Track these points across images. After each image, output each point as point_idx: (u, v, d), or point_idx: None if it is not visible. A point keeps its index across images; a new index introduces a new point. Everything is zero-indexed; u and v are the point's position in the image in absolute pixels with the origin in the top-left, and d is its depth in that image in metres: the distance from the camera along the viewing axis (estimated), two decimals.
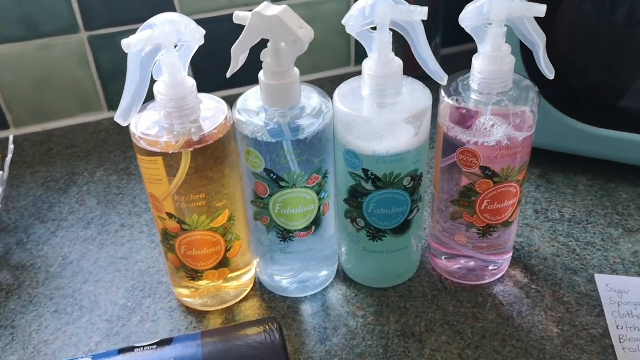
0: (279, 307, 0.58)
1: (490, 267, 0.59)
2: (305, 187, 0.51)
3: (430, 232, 0.60)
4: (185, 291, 0.57)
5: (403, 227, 0.55)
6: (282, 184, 0.50)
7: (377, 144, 0.49)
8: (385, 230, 0.55)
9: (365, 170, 0.51)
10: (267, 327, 0.48)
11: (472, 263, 0.59)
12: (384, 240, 0.55)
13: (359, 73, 0.51)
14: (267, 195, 0.51)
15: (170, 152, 0.47)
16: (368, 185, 0.52)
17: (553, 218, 0.66)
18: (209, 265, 0.54)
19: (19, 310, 0.59)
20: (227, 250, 0.54)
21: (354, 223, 0.55)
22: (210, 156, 0.48)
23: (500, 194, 0.52)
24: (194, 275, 0.55)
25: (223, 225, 0.52)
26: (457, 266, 0.59)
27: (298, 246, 0.55)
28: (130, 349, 0.47)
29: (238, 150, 0.52)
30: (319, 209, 0.53)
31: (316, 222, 0.54)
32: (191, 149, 0.47)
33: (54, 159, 0.81)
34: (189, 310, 0.58)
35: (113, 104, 0.85)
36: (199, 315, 0.58)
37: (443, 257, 0.59)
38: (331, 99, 0.51)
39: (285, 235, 0.54)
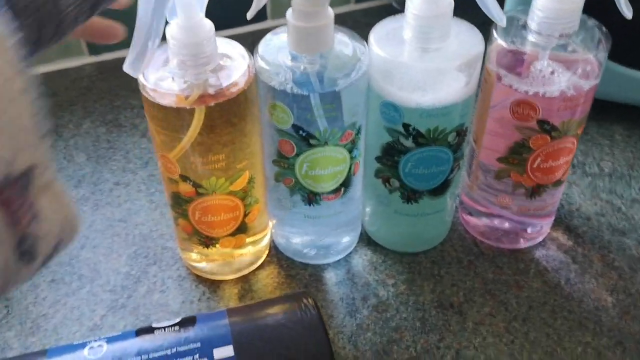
0: (299, 276, 0.53)
1: (529, 230, 0.53)
2: (337, 145, 0.45)
3: (464, 189, 0.54)
4: (196, 256, 0.51)
5: (442, 188, 0.49)
6: (312, 142, 0.44)
7: (421, 96, 0.43)
8: (422, 192, 0.49)
9: (406, 126, 0.45)
10: (302, 304, 0.42)
11: (507, 224, 0.53)
12: (419, 203, 0.50)
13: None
14: (293, 154, 0.45)
15: (183, 107, 0.40)
16: (408, 143, 0.45)
17: (592, 173, 0.61)
18: (225, 232, 0.48)
19: None
20: (245, 215, 0.48)
21: (387, 184, 0.49)
22: (230, 112, 0.42)
23: (556, 151, 0.46)
24: (209, 242, 0.49)
25: (243, 189, 0.46)
26: (494, 227, 0.54)
27: (325, 210, 0.49)
28: (149, 330, 0.41)
29: (259, 104, 0.45)
30: (349, 169, 0.47)
31: (346, 184, 0.48)
32: (207, 104, 0.40)
33: None
34: (200, 279, 0.53)
35: (96, 47, 0.77)
36: (211, 285, 0.52)
37: (482, 217, 0.54)
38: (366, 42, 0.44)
39: (312, 198, 0.48)
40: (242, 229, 0.48)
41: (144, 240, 0.56)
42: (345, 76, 0.42)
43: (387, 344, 0.48)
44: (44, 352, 0.41)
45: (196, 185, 0.44)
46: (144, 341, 0.40)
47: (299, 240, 0.53)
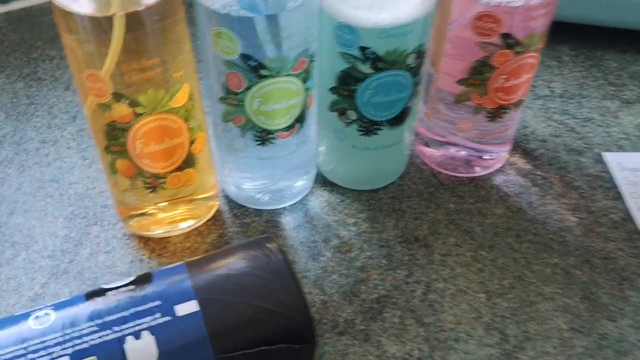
0: (255, 223, 0.49)
1: (486, 157, 0.52)
2: (290, 74, 0.41)
3: (420, 120, 0.52)
4: (139, 221, 0.47)
5: (401, 117, 0.47)
6: (263, 72, 0.40)
7: (378, 14, 0.40)
8: (381, 122, 0.46)
9: (363, 49, 0.41)
10: (265, 249, 0.39)
11: (464, 153, 0.51)
12: (378, 135, 0.47)
13: None
14: (243, 88, 0.41)
15: (101, 16, 0.36)
16: (365, 68, 0.42)
17: (543, 95, 0.60)
18: (172, 165, 0.44)
19: None
20: (191, 143, 0.44)
21: (343, 116, 0.46)
22: (157, 14, 0.37)
23: (519, 67, 0.44)
24: (155, 183, 0.44)
25: (185, 106, 0.41)
26: (451, 156, 0.52)
27: (279, 150, 0.46)
28: (101, 292, 0.37)
29: (201, 33, 0.41)
30: (304, 101, 0.44)
31: (301, 119, 0.45)
32: (127, 11, 0.36)
33: None
34: (147, 235, 0.49)
35: None
36: (160, 241, 0.48)
37: (439, 147, 0.52)
38: None
39: (265, 137, 0.44)
40: (189, 162, 0.44)
41: (80, 200, 0.51)
42: None
43: (355, 285, 0.45)
44: None
45: (133, 105, 0.39)
46: (96, 304, 0.36)
47: (251, 186, 0.49)
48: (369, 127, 0.46)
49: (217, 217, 0.50)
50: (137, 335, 0.35)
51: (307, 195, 0.51)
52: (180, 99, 0.41)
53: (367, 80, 0.43)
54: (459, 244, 0.48)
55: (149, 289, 0.37)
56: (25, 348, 0.34)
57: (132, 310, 0.36)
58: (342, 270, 0.46)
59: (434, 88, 0.48)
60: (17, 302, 0.44)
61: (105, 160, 0.43)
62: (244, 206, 0.51)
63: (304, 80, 0.42)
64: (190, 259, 0.40)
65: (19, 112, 0.59)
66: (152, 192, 0.45)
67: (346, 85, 0.44)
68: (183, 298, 0.37)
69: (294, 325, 0.37)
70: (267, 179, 0.48)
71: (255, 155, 0.46)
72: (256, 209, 0.50)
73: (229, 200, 0.51)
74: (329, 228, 0.49)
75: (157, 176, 0.43)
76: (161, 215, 0.47)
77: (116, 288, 0.37)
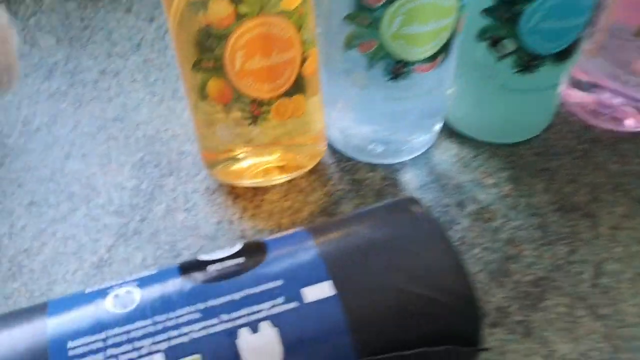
0: (368, 181, 0.40)
1: None
2: None
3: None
4: (226, 167, 0.37)
5: (569, 50, 0.36)
6: None
7: None
8: (544, 57, 0.36)
9: None
10: (412, 215, 0.29)
11: (626, 100, 0.41)
12: (536, 73, 0.36)
13: None
14: (382, 2, 0.31)
15: None
16: None
17: None
18: (279, 87, 0.34)
19: None
20: (303, 60, 0.34)
21: (496, 48, 0.36)
22: None
23: None
24: (257, 112, 0.34)
25: (298, 10, 0.32)
26: (610, 104, 0.41)
27: (413, 88, 0.35)
28: (199, 265, 0.28)
29: None
30: (454, 25, 0.33)
31: (446, 48, 0.34)
32: None
33: None
34: (237, 191, 0.39)
35: None
36: (253, 197, 0.39)
37: (597, 92, 0.41)
38: None
39: (399, 70, 0.34)
40: (299, 86, 0.34)
41: (151, 144, 0.42)
42: None
43: (504, 263, 0.35)
44: (43, 307, 0.27)
45: (236, 1, 0.30)
46: (196, 282, 0.27)
47: (365, 133, 0.39)
48: (528, 62, 0.36)
49: (320, 171, 0.40)
50: (253, 327, 0.26)
51: (430, 148, 0.41)
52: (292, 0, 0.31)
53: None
54: (630, 215, 0.38)
55: (265, 264, 0.27)
56: (103, 340, 0.25)
57: (245, 293, 0.26)
58: (486, 243, 0.36)
59: (607, 18, 0.37)
60: (78, 268, 0.35)
61: (193, 82, 0.34)
62: (353, 158, 0.41)
63: None
64: (313, 225, 0.30)
65: (72, 36, 0.50)
66: (252, 124, 0.35)
67: (509, 5, 0.33)
68: (313, 278, 0.27)
69: (461, 320, 0.27)
70: (388, 127, 0.38)
71: (380, 94, 0.35)
72: (368, 163, 0.40)
73: (333, 150, 0.41)
74: (463, 189, 0.39)
75: (259, 102, 0.34)
76: (254, 160, 0.38)
77: (220, 261, 0.28)
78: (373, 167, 0.40)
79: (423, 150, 0.41)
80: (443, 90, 0.37)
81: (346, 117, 0.39)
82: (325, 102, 0.38)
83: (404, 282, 0.27)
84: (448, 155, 0.41)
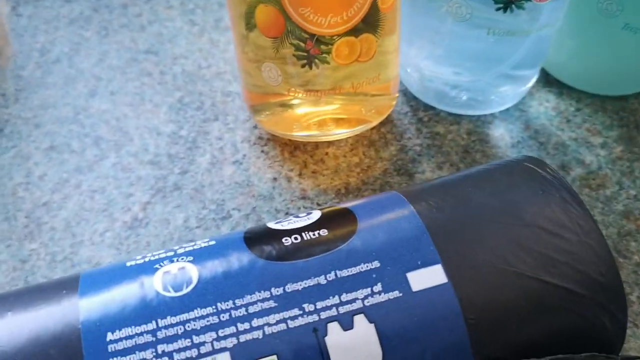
0: (452, 134, 0.33)
1: None
2: None
3: None
4: (274, 114, 0.31)
5: None
6: None
7: None
8: None
9: None
10: (543, 181, 0.23)
11: None
12: None
13: None
14: None
15: None
16: None
17: None
18: (345, 22, 0.27)
19: None
20: None
21: None
22: None
23: None
24: (314, 51, 0.27)
25: None
26: None
27: (524, 21, 0.29)
28: (270, 235, 0.22)
29: None
30: None
31: None
32: None
33: None
34: (295, 141, 0.32)
35: None
36: (314, 151, 0.32)
37: None
38: None
39: None
40: (371, 22, 0.27)
41: (191, 83, 0.35)
42: None
43: (619, 239, 0.29)
44: (73, 283, 0.21)
45: None
46: (269, 258, 0.21)
47: (449, 76, 0.32)
48: None
49: (394, 122, 0.34)
50: (345, 321, 0.20)
51: (523, 99, 0.35)
52: None
53: None
54: None
55: (356, 239, 0.21)
56: (153, 332, 0.19)
57: (333, 276, 0.20)
58: (597, 215, 0.30)
59: None
60: (107, 228, 0.29)
61: (240, 6, 0.27)
62: (432, 107, 0.34)
63: None
64: (408, 188, 0.24)
65: None
66: (306, 65, 0.28)
67: None
68: (418, 259, 0.21)
69: (607, 321, 0.21)
70: (481, 70, 0.31)
71: (484, 27, 0.29)
72: (450, 113, 0.34)
73: (408, 96, 0.35)
74: (566, 149, 0.33)
75: (318, 39, 0.27)
76: (308, 108, 0.31)
77: (297, 232, 0.22)
78: (457, 118, 0.34)
79: (516, 101, 0.34)
80: (552, 30, 0.30)
81: (429, 55, 0.32)
82: (404, 37, 0.32)
83: (536, 268, 0.21)
84: (545, 107, 0.34)
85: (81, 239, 0.29)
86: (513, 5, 0.27)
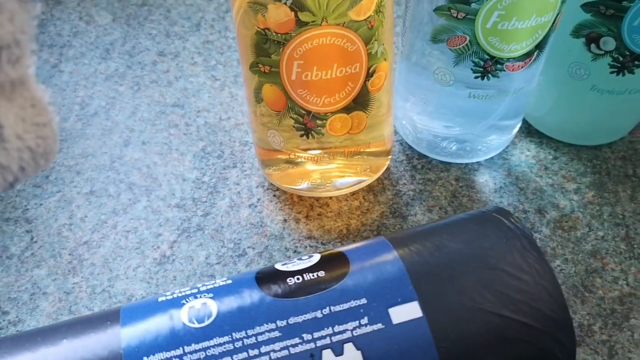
0: (442, 180, 0.37)
1: None
2: None
3: None
4: (281, 170, 0.35)
5: None
6: None
7: None
8: None
9: None
10: (505, 229, 0.27)
11: None
12: (634, 75, 0.34)
13: None
14: None
15: None
16: None
17: None
18: (338, 102, 0.31)
19: (32, 193, 0.37)
20: (369, 74, 0.31)
21: (593, 45, 0.33)
22: None
23: None
24: (310, 125, 0.32)
25: (369, 21, 0.29)
26: None
27: (501, 86, 0.33)
28: (277, 276, 0.26)
29: None
30: (554, 20, 0.31)
31: (542, 45, 0.32)
32: None
33: None
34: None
35: None
36: (319, 196, 0.37)
37: None
38: None
39: (489, 68, 0.32)
40: (361, 101, 0.32)
41: (213, 133, 0.40)
42: None
43: (586, 276, 0.33)
44: (115, 315, 0.25)
45: (298, 7, 0.27)
46: (275, 295, 0.25)
47: (439, 129, 0.37)
48: (626, 63, 0.33)
49: (389, 168, 0.38)
50: (337, 348, 0.24)
51: (507, 148, 0.39)
52: (365, 8, 0.28)
53: None
54: None
55: (348, 280, 0.26)
56: (180, 357, 0.24)
57: (328, 311, 0.25)
58: (567, 254, 0.34)
59: None
60: (139, 264, 0.34)
61: (251, 82, 0.32)
62: (425, 156, 0.39)
63: None
64: (394, 234, 0.28)
65: (129, 14, 0.48)
66: (303, 135, 0.33)
67: (614, 0, 0.31)
68: (399, 297, 0.25)
69: (557, 350, 0.25)
70: (467, 125, 0.36)
71: (464, 92, 0.33)
72: (441, 161, 0.38)
73: (404, 145, 0.39)
74: (543, 194, 0.37)
75: (314, 115, 0.31)
76: (311, 166, 0.35)
77: (299, 273, 0.26)
78: (446, 166, 0.38)
79: (500, 150, 0.39)
80: (529, 91, 0.35)
81: (421, 110, 0.37)
82: (400, 93, 0.36)
83: (498, 306, 0.25)
84: (526, 156, 0.39)
85: (117, 274, 0.33)
86: (489, 74, 0.32)
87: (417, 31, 0.32)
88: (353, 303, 0.25)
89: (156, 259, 0.34)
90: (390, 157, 0.37)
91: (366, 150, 0.34)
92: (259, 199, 0.36)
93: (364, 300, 0.25)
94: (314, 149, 0.33)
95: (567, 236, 0.35)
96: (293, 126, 0.32)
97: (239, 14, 0.29)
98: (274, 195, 0.37)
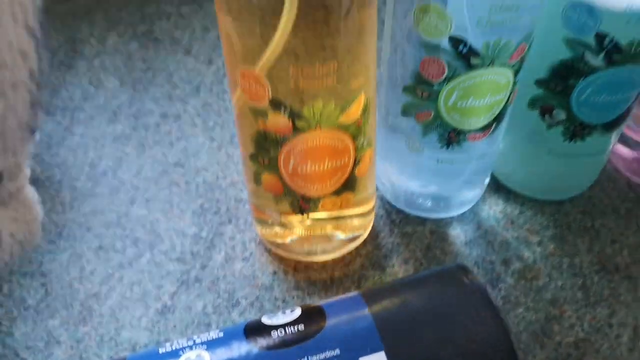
0: (417, 234, 0.41)
1: None
2: (504, 65, 0.32)
3: None
4: (273, 231, 0.39)
5: (618, 121, 0.37)
6: (474, 61, 0.31)
7: None
8: (594, 127, 0.37)
9: (600, 37, 0.32)
10: (465, 287, 0.31)
11: None
12: (585, 141, 0.38)
13: None
14: (442, 79, 0.33)
15: None
16: (596, 60, 0.33)
17: None
18: (329, 188, 0.36)
19: (46, 249, 0.41)
20: (355, 163, 0.35)
21: (547, 116, 0.37)
22: None
23: None
24: (305, 206, 0.36)
25: (356, 122, 0.33)
26: None
27: (464, 153, 0.37)
28: (263, 329, 0.30)
29: (395, 7, 0.32)
30: (508, 97, 0.35)
31: (499, 118, 0.36)
32: None
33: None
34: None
35: None
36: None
37: (633, 147, 0.42)
38: None
39: (453, 138, 0.36)
40: (349, 185, 0.36)
41: (210, 191, 0.44)
42: None
43: (546, 322, 0.37)
44: None
45: (294, 116, 0.31)
46: (260, 347, 0.29)
47: (415, 188, 0.41)
48: (577, 131, 0.37)
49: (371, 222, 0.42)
50: None
51: (477, 201, 0.43)
52: (353, 113, 0.32)
53: (594, 76, 0.34)
54: None
55: (324, 332, 0.29)
56: None
57: None
58: (529, 302, 0.38)
59: None
60: (143, 314, 0.38)
61: (249, 168, 0.36)
62: (403, 211, 0.42)
63: (516, 72, 0.33)
64: (367, 290, 0.32)
65: (135, 78, 0.52)
66: (299, 214, 0.37)
67: (562, 79, 0.35)
68: (367, 347, 0.29)
69: None
70: (439, 184, 0.40)
71: (433, 158, 0.37)
72: (418, 216, 0.42)
73: (384, 202, 0.43)
74: (509, 247, 0.41)
75: (308, 199, 0.35)
76: (301, 230, 0.39)
77: (282, 326, 0.30)
78: (422, 220, 0.42)
79: (471, 204, 0.42)
80: (493, 154, 0.39)
81: (399, 171, 0.41)
82: (379, 154, 0.40)
83: (453, 355, 0.29)
84: (494, 210, 0.43)
85: (123, 323, 0.37)
86: (453, 144, 0.36)
87: (390, 104, 0.36)
88: (328, 353, 0.29)
89: (158, 309, 0.38)
90: (373, 214, 0.41)
91: (351, 214, 0.38)
92: (251, 253, 0.40)
93: (337, 351, 0.29)
94: (307, 223, 0.38)
95: (529, 286, 0.39)
96: (289, 207, 0.36)
97: (239, 106, 0.33)
98: (265, 249, 0.41)
